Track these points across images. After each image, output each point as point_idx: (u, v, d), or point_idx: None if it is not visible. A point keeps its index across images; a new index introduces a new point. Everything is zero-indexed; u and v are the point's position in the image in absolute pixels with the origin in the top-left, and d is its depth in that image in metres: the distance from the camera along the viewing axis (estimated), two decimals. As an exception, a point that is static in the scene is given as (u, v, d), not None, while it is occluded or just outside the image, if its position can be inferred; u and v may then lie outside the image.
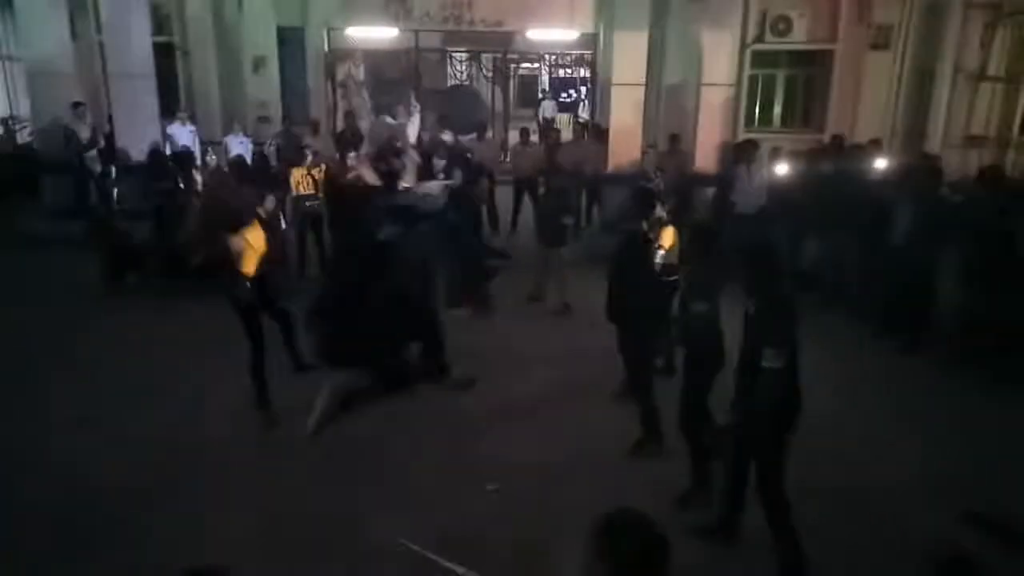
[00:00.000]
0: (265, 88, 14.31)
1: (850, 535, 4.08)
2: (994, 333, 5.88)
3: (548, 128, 18.05)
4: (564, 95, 23.20)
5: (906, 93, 12.85)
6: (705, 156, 11.01)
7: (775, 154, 9.11)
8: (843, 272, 7.36)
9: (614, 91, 11.10)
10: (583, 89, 21.48)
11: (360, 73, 18.46)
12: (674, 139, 10.65)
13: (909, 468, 4.73)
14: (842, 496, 4.39)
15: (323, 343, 5.36)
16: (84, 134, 10.20)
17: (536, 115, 22.67)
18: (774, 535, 3.64)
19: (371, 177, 8.37)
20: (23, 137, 13.01)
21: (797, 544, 3.60)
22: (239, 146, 10.85)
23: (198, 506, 4.27)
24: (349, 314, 5.19)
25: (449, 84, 18.90)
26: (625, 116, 10.96)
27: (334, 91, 16.33)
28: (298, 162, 8.77)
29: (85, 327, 7.02)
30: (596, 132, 11.60)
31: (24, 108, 12.62)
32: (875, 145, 8.42)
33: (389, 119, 11.31)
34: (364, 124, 13.56)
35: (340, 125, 12.98)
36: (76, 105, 10.10)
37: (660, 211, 5.96)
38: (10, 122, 13.90)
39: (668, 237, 5.61)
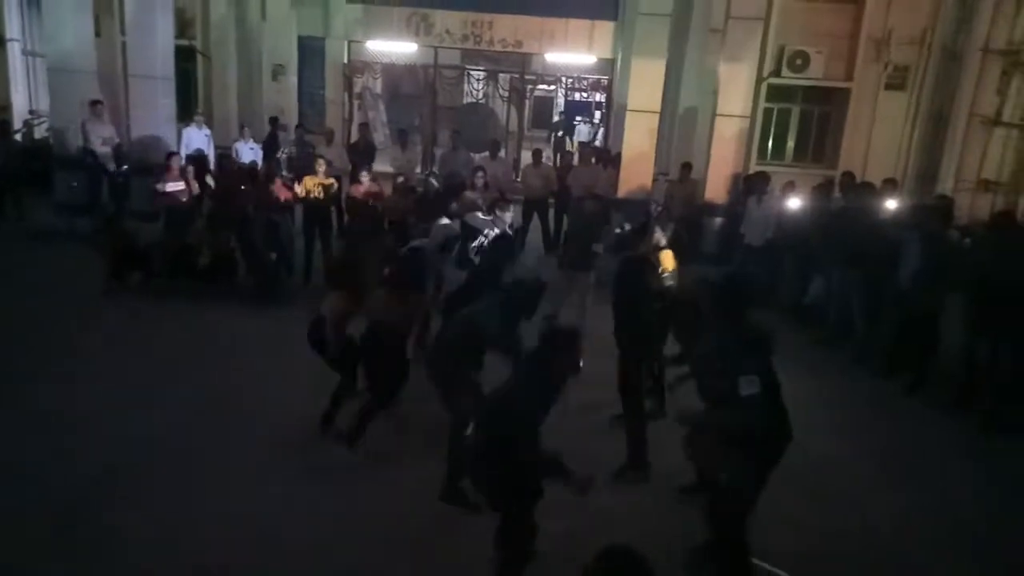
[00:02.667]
0: (283, 96, 14.46)
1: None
2: (996, 379, 5.82)
3: (563, 151, 18.19)
4: (582, 119, 23.35)
5: (920, 134, 12.88)
6: (716, 186, 11.02)
7: (786, 188, 9.11)
8: (849, 309, 7.31)
9: (628, 117, 11.14)
10: (597, 114, 21.61)
11: (377, 86, 18.67)
12: (686, 168, 10.66)
13: (898, 509, 4.68)
14: (827, 535, 4.32)
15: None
16: (102, 132, 10.27)
17: (550, 137, 22.80)
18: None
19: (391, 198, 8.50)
20: (41, 132, 13.13)
21: None
22: (249, 152, 10.93)
23: (179, 507, 4.23)
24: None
25: (465, 101, 19.06)
26: (638, 142, 10.99)
27: (351, 102, 16.48)
28: (310, 170, 8.83)
29: (84, 324, 7.01)
30: (607, 157, 11.63)
31: (45, 103, 12.75)
32: (889, 185, 8.42)
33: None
34: (378, 137, 13.66)
35: (354, 136, 13.07)
36: (94, 103, 10.19)
37: (659, 236, 6.00)
38: (30, 117, 14.06)
39: (668, 260, 5.67)
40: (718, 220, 10.72)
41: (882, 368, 6.84)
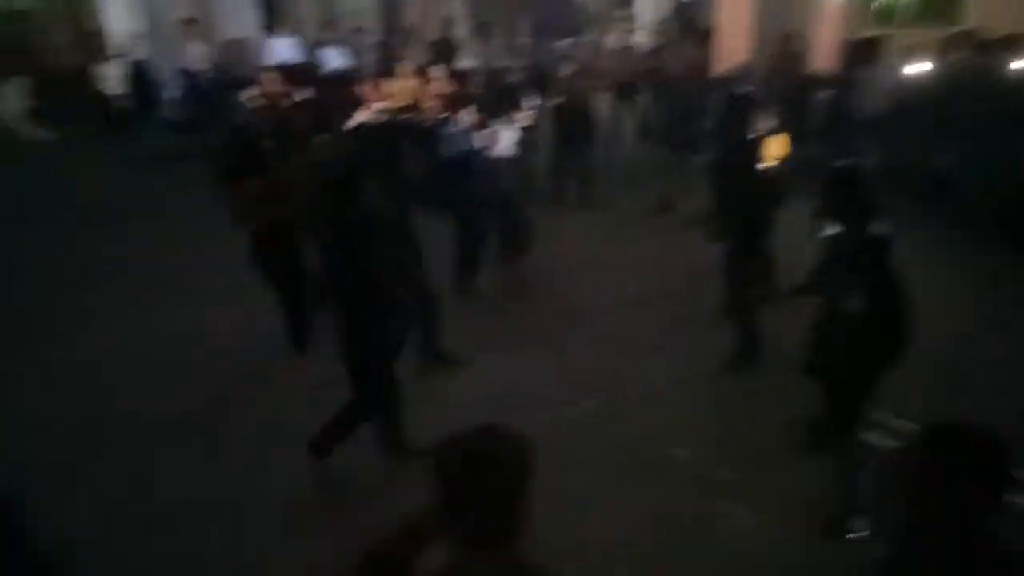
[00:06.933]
0: (362, -4, 14.17)
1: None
2: None
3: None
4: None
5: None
6: (823, 57, 10.19)
7: (904, 52, 8.32)
8: (977, 186, 6.77)
9: (723, -13, 10.33)
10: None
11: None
12: (786, 39, 9.87)
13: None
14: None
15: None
16: (197, 49, 10.50)
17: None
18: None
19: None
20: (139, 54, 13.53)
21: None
22: (336, 59, 10.90)
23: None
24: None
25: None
26: (733, 14, 10.22)
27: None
28: (393, 74, 8.74)
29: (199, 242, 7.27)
30: (699, 33, 10.92)
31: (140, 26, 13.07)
32: (1016, 40, 7.48)
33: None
34: (458, 31, 13.31)
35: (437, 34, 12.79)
36: (188, 21, 10.37)
37: (764, 120, 5.63)
38: (128, 39, 14.48)
39: (778, 146, 5.32)
40: (826, 94, 9.97)
41: (1019, 250, 6.31)
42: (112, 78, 11.34)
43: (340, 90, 8.70)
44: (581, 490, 3.64)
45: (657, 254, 6.92)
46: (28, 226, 8.10)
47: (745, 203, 4.73)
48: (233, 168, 4.49)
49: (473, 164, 5.74)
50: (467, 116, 5.80)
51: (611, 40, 11.35)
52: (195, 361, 5.18)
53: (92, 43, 13.86)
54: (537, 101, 8.79)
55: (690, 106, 7.38)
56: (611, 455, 4.07)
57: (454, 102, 7.09)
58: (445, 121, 5.99)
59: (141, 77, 11.85)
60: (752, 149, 4.97)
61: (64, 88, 14.37)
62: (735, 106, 5.07)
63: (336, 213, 3.45)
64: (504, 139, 5.70)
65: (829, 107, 9.68)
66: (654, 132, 9.96)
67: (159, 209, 8.53)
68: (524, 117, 5.83)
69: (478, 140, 5.73)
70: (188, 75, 10.50)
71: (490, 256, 6.02)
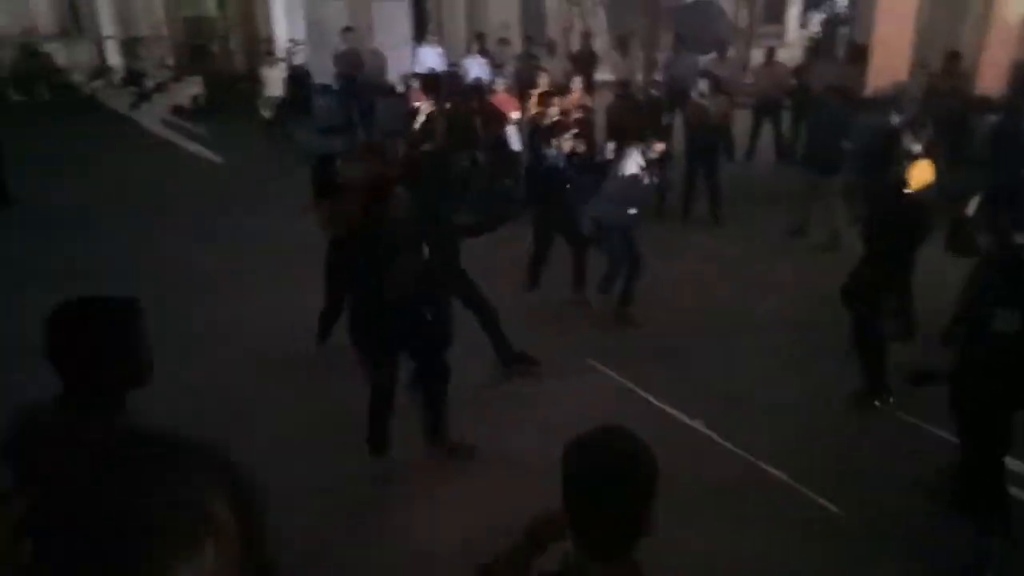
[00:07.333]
0: (506, 10, 14.60)
1: None
2: None
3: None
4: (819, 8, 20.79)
5: None
6: (991, 78, 9.43)
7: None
8: None
9: (881, 1, 9.80)
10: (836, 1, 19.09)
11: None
12: (953, 58, 9.21)
13: None
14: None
15: None
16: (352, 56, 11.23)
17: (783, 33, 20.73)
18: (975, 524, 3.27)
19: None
20: (299, 59, 14.65)
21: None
22: (478, 69, 11.30)
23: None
24: None
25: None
26: (892, 30, 9.66)
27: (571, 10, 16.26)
28: (534, 85, 8.95)
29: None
30: (853, 50, 10.42)
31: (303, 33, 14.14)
32: None
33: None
34: (599, 44, 13.42)
35: (576, 46, 12.97)
36: (346, 30, 11.11)
37: (912, 144, 5.28)
38: (291, 45, 15.71)
39: (923, 172, 4.97)
40: (991, 119, 9.22)
41: None
42: (274, 80, 12.33)
43: (479, 99, 9.07)
44: (685, 504, 3.57)
45: (789, 277, 6.67)
46: (206, 209, 8.85)
47: (890, 231, 4.48)
48: (317, 189, 5.07)
49: (600, 181, 5.78)
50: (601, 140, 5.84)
51: (756, 55, 11.05)
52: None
53: (261, 48, 15.14)
54: (672, 118, 8.74)
55: (836, 126, 7.05)
56: (722, 474, 4.00)
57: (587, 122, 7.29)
58: (578, 137, 6.11)
59: (298, 80, 12.84)
60: (901, 174, 4.72)
61: (230, 87, 15.83)
62: (887, 128, 4.81)
63: (366, 217, 3.75)
64: (632, 160, 5.63)
65: (995, 132, 8.96)
66: (794, 151, 9.61)
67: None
68: (653, 141, 5.70)
69: (608, 159, 5.73)
70: (339, 80, 11.23)
71: (617, 272, 5.97)
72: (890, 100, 9.22)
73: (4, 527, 0.53)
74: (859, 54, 10.14)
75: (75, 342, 1.79)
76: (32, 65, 17.61)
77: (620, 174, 5.56)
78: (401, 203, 3.76)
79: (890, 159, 5.16)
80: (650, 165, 5.57)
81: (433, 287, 3.99)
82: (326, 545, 3.51)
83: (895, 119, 7.05)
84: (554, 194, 5.87)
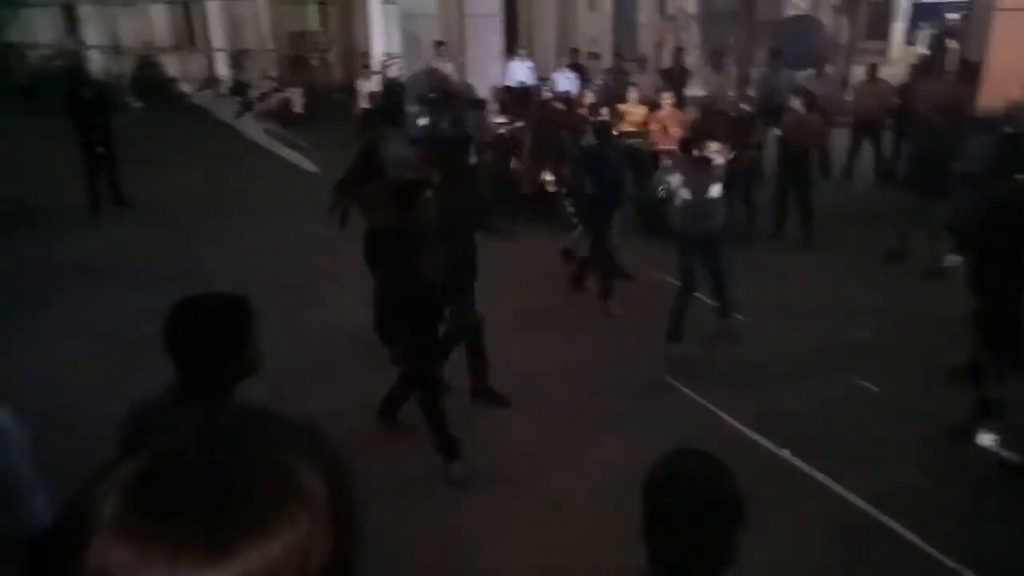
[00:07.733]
0: (597, 24, 14.62)
1: None
2: None
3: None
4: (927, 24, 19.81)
5: None
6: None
7: None
8: None
9: (998, 17, 9.23)
10: (946, 16, 18.12)
11: (691, 5, 17.92)
12: (1078, 76, 8.57)
13: None
14: None
15: None
16: (445, 70, 11.48)
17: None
18: None
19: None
20: (394, 72, 15.10)
21: None
22: (566, 82, 11.34)
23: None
24: None
25: (788, 14, 17.43)
26: (1009, 48, 9.08)
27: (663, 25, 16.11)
28: (623, 100, 8.92)
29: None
30: (962, 67, 9.85)
31: (398, 47, 14.59)
32: None
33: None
34: (691, 59, 13.22)
35: (669, 62, 12.83)
36: (438, 44, 11.38)
37: None
38: (386, 58, 16.23)
39: None
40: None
41: None
42: (368, 92, 12.74)
43: (567, 112, 9.08)
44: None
45: (886, 303, 6.32)
46: (296, 216, 9.19)
47: (1006, 257, 4.19)
48: (361, 171, 5.35)
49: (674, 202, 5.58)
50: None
51: (857, 72, 10.62)
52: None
53: (358, 61, 15.69)
54: (764, 134, 8.47)
55: (942, 146, 6.66)
56: (805, 503, 3.81)
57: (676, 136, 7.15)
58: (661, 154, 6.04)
59: (391, 92, 13.22)
60: (1018, 197, 4.42)
61: (327, 98, 16.48)
62: (1005, 148, 4.51)
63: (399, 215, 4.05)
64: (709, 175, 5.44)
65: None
66: (896, 172, 9.15)
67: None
68: (720, 156, 5.46)
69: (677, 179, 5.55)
70: (431, 92, 11.47)
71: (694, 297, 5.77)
72: (1004, 120, 8.67)
73: (111, 487, 0.55)
74: (970, 72, 9.58)
75: (196, 336, 1.88)
76: (149, 75, 18.91)
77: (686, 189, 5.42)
78: (430, 206, 4.06)
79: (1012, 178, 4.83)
80: (722, 178, 5.40)
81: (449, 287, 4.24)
82: (404, 544, 3.54)
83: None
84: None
